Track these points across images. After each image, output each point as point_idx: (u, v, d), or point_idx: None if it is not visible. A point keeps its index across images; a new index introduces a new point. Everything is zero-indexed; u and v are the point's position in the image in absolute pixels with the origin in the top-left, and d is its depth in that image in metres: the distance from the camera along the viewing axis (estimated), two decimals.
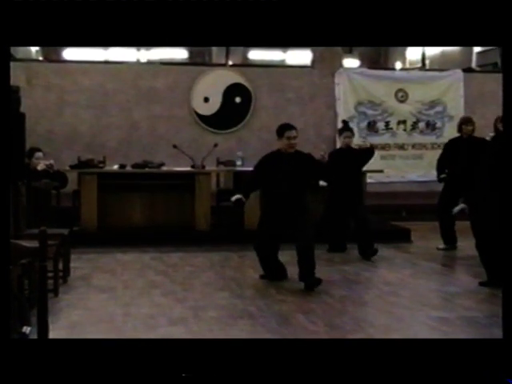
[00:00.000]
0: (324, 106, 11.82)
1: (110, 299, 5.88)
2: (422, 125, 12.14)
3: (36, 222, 6.67)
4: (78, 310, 5.49)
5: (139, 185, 9.07)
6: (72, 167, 8.93)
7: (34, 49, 12.61)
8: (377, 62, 15.13)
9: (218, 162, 10.13)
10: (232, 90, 11.49)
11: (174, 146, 9.29)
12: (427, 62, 13.09)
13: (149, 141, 11.22)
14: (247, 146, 10.92)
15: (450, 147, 8.62)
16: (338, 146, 9.16)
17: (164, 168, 9.33)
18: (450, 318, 5.31)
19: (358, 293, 6.43)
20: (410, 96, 12.05)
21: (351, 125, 9.93)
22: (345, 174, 7.88)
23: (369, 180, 9.71)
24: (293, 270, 6.48)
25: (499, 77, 3.80)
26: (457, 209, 6.80)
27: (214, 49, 13.32)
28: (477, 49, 13.39)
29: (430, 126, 12.16)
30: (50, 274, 5.45)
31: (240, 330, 4.93)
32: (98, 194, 8.82)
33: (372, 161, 8.37)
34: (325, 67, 11.80)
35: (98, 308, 5.58)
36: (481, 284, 6.39)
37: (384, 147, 11.86)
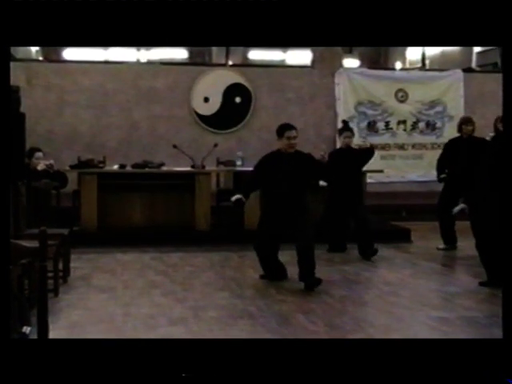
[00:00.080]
0: (324, 106, 11.82)
1: (110, 299, 5.88)
2: (422, 125, 12.14)
3: (36, 221, 6.67)
4: (77, 310, 5.49)
5: (139, 185, 9.07)
6: (72, 167, 8.93)
7: (34, 49, 12.61)
8: (377, 62, 15.13)
9: (218, 162, 10.13)
10: (232, 90, 11.49)
11: (174, 146, 9.29)
12: (427, 61, 13.09)
13: (149, 141, 11.22)
14: (247, 146, 10.92)
15: (450, 147, 8.62)
16: (338, 145, 9.15)
17: (164, 168, 9.33)
18: (450, 318, 5.31)
19: (358, 293, 6.43)
20: (410, 96, 12.05)
21: (351, 125, 9.92)
22: (345, 174, 7.88)
23: (369, 180, 9.71)
24: (293, 270, 6.48)
25: (499, 77, 3.80)
26: (457, 209, 6.80)
27: (214, 49, 13.31)
28: (477, 49, 13.39)
29: (430, 126, 12.16)
30: (50, 274, 5.45)
31: (240, 330, 4.93)
32: (98, 194, 8.82)
33: (372, 161, 8.37)
34: (325, 67, 11.80)
35: (98, 308, 5.58)
36: (481, 284, 6.39)
37: (384, 147, 11.86)
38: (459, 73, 12.31)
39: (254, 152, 9.27)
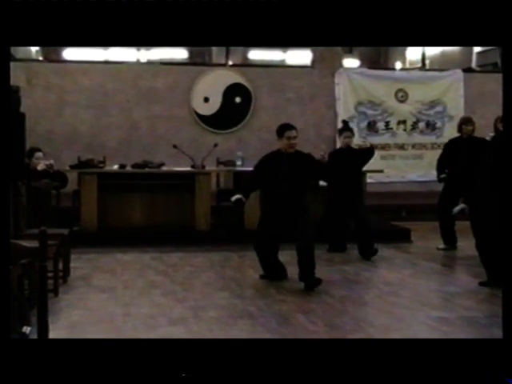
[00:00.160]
0: (324, 106, 11.82)
1: (110, 299, 5.88)
2: (422, 125, 12.14)
3: (36, 221, 6.67)
4: (78, 310, 5.49)
5: (139, 185, 9.07)
6: (72, 167, 8.93)
7: (34, 49, 12.61)
8: (377, 61, 15.13)
9: (218, 162, 10.13)
10: (232, 90, 11.49)
11: (174, 146, 9.29)
12: (427, 62, 13.09)
13: (149, 141, 11.22)
14: (247, 146, 10.92)
15: (450, 147, 8.62)
16: (338, 146, 9.15)
17: (164, 168, 9.33)
18: (449, 318, 5.31)
19: (358, 293, 6.43)
20: (410, 96, 12.05)
21: (351, 125, 9.92)
22: (345, 174, 7.88)
23: (369, 180, 9.71)
24: (293, 270, 6.48)
25: (499, 77, 3.80)
26: (457, 209, 6.80)
27: (214, 49, 13.31)
28: (477, 49, 13.39)
29: (430, 126, 12.16)
30: (50, 274, 5.45)
31: (240, 330, 4.93)
32: (98, 194, 8.82)
33: (372, 161, 8.37)
34: (325, 67, 11.80)
35: (98, 308, 5.58)
36: (481, 284, 6.39)
37: (384, 147, 11.86)
38: (459, 73, 12.31)
39: (254, 152, 9.27)
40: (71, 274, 6.74)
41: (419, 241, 9.18)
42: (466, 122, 8.46)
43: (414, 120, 12.11)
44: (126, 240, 8.57)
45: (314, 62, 11.95)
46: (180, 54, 13.49)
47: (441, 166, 8.65)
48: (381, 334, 4.90)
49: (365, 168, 8.53)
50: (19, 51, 11.29)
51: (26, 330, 3.87)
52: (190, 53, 13.69)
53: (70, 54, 12.60)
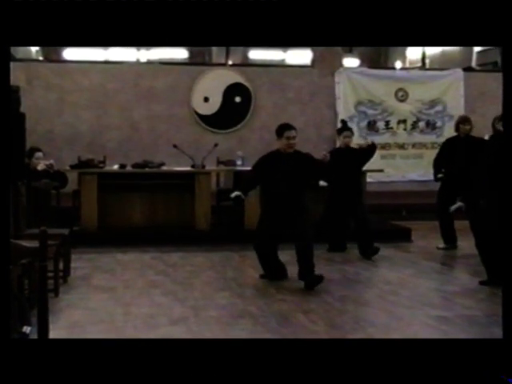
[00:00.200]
0: (324, 106, 11.82)
1: (111, 299, 5.88)
2: (422, 124, 12.16)
3: (36, 221, 6.67)
4: (78, 310, 5.49)
5: (139, 185, 9.07)
6: (72, 167, 8.93)
7: (34, 49, 12.61)
8: (377, 61, 15.14)
9: (218, 162, 10.13)
10: (232, 90, 11.50)
11: (174, 146, 9.29)
12: (427, 61, 13.10)
13: (149, 141, 11.23)
14: (247, 146, 10.92)
15: (448, 146, 8.61)
16: (338, 145, 9.15)
17: (164, 168, 9.33)
18: (449, 317, 5.32)
19: (358, 292, 6.43)
20: (410, 95, 12.07)
21: (351, 124, 9.94)
22: (344, 173, 7.89)
23: (369, 179, 9.71)
24: (293, 270, 6.48)
25: (499, 76, 3.80)
26: (454, 207, 6.78)
27: (214, 49, 13.32)
28: (477, 48, 13.39)
29: (430, 126, 12.17)
30: (50, 274, 5.45)
31: (240, 330, 4.94)
32: (98, 194, 8.82)
33: (372, 160, 8.37)
34: (325, 67, 11.81)
35: (98, 308, 5.58)
36: (481, 283, 6.40)
37: (384, 147, 11.87)
38: (459, 72, 12.32)
39: (254, 152, 9.27)
40: (71, 273, 6.75)
41: (419, 240, 9.18)
42: (463, 121, 8.45)
43: (414, 119, 12.12)
44: (126, 240, 8.57)
45: (314, 61, 11.96)
46: (180, 53, 13.50)
47: (438, 165, 8.64)
48: (381, 333, 4.91)
49: (365, 167, 8.54)
50: (19, 51, 11.30)
51: (26, 329, 3.87)
52: (190, 53, 13.70)
53: (70, 53, 12.61)
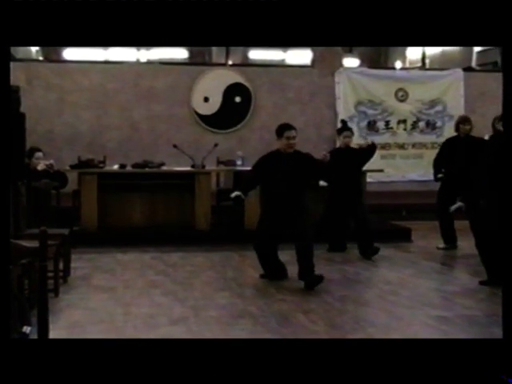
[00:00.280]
0: (324, 106, 11.83)
1: (111, 299, 5.88)
2: (422, 124, 12.16)
3: (36, 221, 6.67)
4: (78, 310, 5.49)
5: (139, 185, 9.07)
6: (72, 167, 8.93)
7: (34, 49, 12.61)
8: (377, 61, 15.13)
9: (218, 162, 10.13)
10: (232, 90, 11.50)
11: (174, 146, 9.29)
12: (427, 61, 13.10)
13: (149, 141, 11.23)
14: (247, 146, 10.93)
15: (447, 146, 8.61)
16: (338, 145, 9.15)
17: (164, 168, 9.33)
18: (449, 317, 5.32)
19: (358, 292, 6.43)
20: (410, 95, 12.07)
21: (351, 124, 9.93)
22: (344, 173, 7.89)
23: (369, 179, 9.72)
24: (293, 270, 6.48)
25: (499, 76, 3.80)
26: (454, 207, 6.79)
27: (214, 49, 13.32)
28: (477, 48, 13.39)
29: (430, 126, 12.17)
30: (50, 274, 5.45)
31: (240, 330, 4.94)
32: (98, 194, 8.82)
33: (372, 160, 8.37)
34: (325, 67, 11.81)
35: (98, 308, 5.58)
36: (481, 283, 6.40)
37: (384, 147, 11.87)
38: (459, 72, 12.32)
39: (254, 152, 9.27)
40: (71, 273, 6.75)
41: (419, 240, 9.18)
42: (463, 121, 8.45)
43: (414, 119, 12.12)
44: (125, 240, 8.57)
45: (314, 61, 11.96)
46: (180, 53, 13.49)
47: (438, 165, 8.64)
48: (381, 333, 4.90)
49: (365, 167, 8.54)
50: (19, 51, 11.29)
51: (26, 329, 3.87)
52: (190, 53, 13.69)
53: (70, 53, 12.60)
